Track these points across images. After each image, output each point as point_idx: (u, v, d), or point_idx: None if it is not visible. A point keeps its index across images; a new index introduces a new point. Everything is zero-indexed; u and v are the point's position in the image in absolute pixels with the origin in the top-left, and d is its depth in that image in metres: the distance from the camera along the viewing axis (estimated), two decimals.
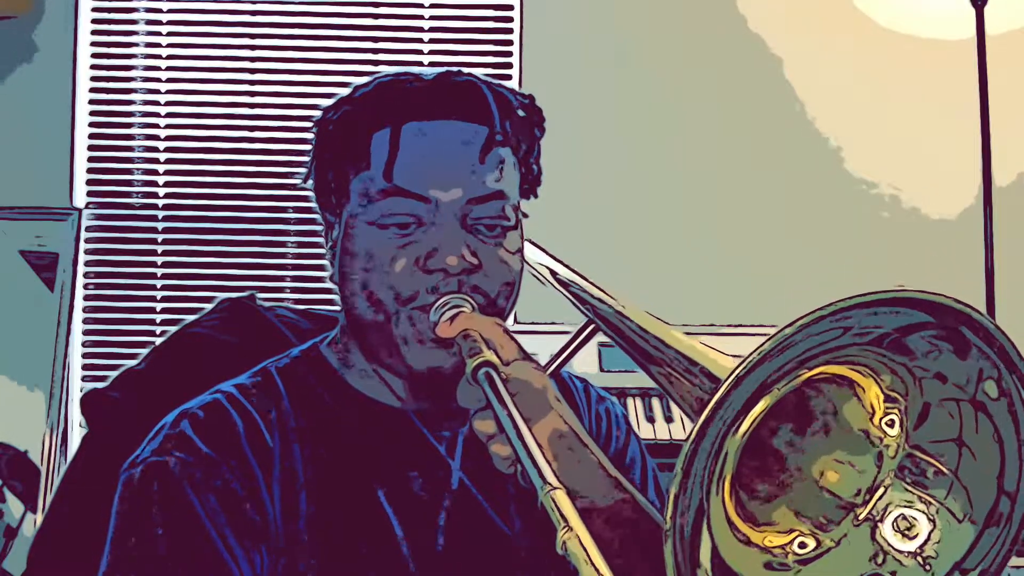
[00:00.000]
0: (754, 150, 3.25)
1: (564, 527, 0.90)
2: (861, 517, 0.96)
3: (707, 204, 3.24)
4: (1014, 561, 2.18)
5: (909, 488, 0.96)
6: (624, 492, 1.11)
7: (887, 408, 0.95)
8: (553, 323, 2.18)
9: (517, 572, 1.22)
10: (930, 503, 0.95)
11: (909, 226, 3.25)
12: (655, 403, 2.76)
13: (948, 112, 3.17)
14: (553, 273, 1.38)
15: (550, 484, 0.93)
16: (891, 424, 0.95)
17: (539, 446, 0.95)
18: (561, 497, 0.91)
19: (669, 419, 2.72)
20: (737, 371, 0.83)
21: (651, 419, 2.72)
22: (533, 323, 2.36)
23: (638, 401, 2.75)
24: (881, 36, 3.24)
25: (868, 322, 0.89)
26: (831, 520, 0.97)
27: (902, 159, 3.25)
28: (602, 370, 2.73)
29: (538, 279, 1.41)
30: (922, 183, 3.25)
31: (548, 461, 0.94)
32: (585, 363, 2.67)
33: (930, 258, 3.17)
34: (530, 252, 1.36)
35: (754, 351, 0.83)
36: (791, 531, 0.96)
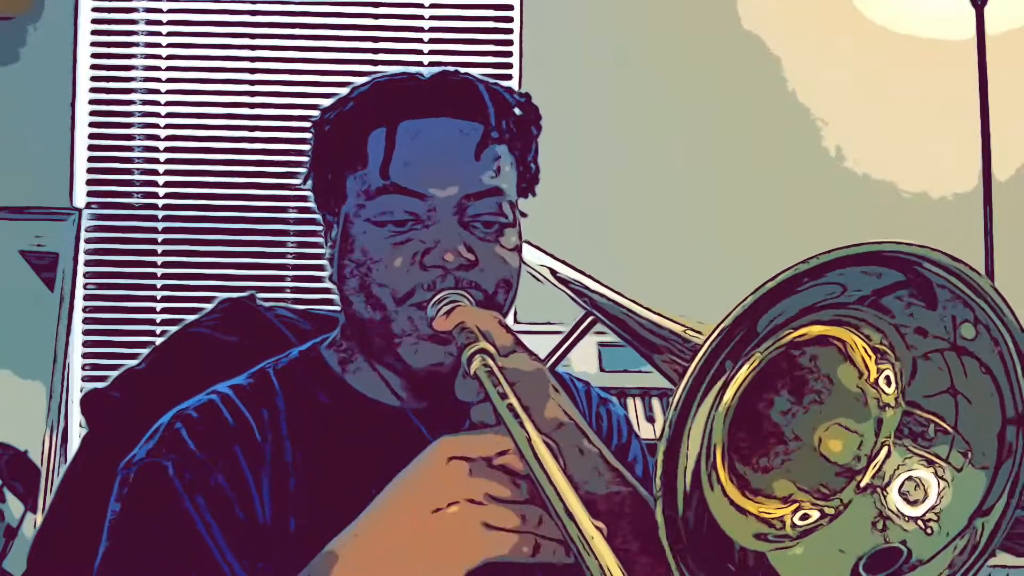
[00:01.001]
0: (754, 150, 3.25)
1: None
2: (863, 484, 0.96)
3: (707, 204, 3.24)
4: (1014, 561, 2.18)
5: (912, 449, 0.95)
6: (626, 484, 1.11)
7: (880, 366, 0.94)
8: (552, 323, 2.18)
9: (515, 572, 1.21)
10: (933, 462, 0.94)
11: (909, 226, 3.25)
12: (655, 403, 2.76)
13: (948, 112, 3.17)
14: (552, 272, 1.38)
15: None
16: (888, 382, 0.95)
17: (539, 430, 0.95)
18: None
19: None
20: (721, 326, 0.83)
21: (651, 419, 2.72)
22: (532, 323, 2.36)
23: (638, 401, 2.76)
24: (881, 36, 3.24)
25: (847, 283, 0.89)
26: (832, 489, 0.96)
27: (902, 159, 3.25)
28: (602, 370, 2.73)
29: (537, 279, 1.41)
30: (922, 183, 3.26)
31: (547, 444, 0.94)
32: (585, 363, 2.68)
33: None
34: (529, 253, 1.36)
35: (734, 309, 0.83)
36: (792, 502, 0.96)
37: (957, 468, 0.93)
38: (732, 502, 0.93)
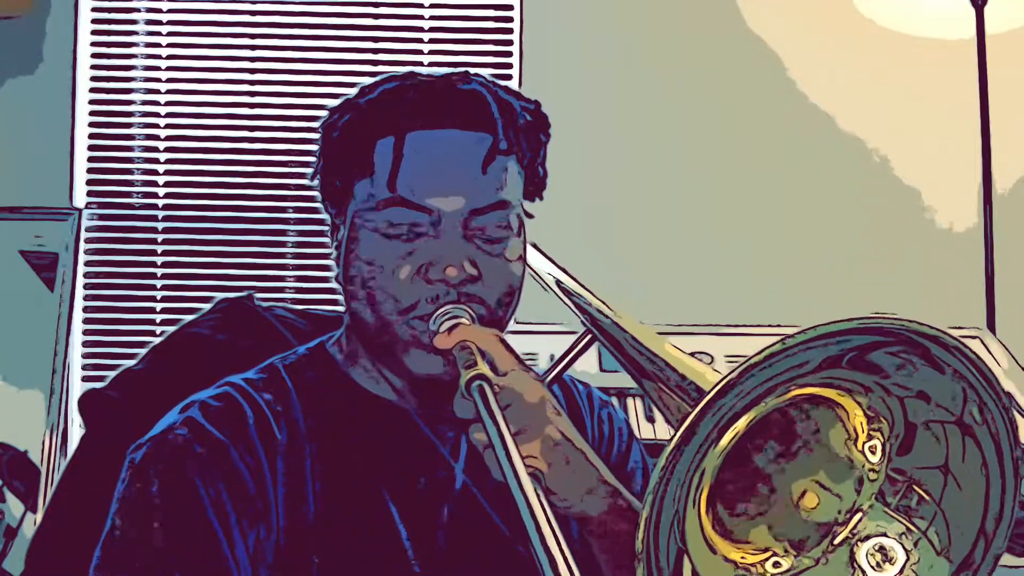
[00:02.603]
0: (754, 150, 3.25)
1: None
2: (837, 541, 0.96)
3: (707, 204, 3.24)
4: (1015, 561, 2.18)
5: (890, 513, 0.95)
6: (622, 501, 1.11)
7: (871, 432, 0.94)
8: (553, 323, 2.18)
9: (518, 573, 1.22)
10: (911, 531, 0.94)
11: (909, 225, 3.25)
12: None
13: (948, 112, 3.17)
14: (556, 281, 1.38)
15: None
16: (873, 451, 0.94)
17: (524, 462, 0.97)
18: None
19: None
20: (708, 396, 0.83)
21: (651, 419, 2.71)
22: (533, 323, 2.36)
23: (638, 401, 2.75)
24: (881, 36, 3.23)
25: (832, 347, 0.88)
26: (808, 541, 0.96)
27: (902, 159, 3.25)
28: (602, 370, 2.72)
29: (540, 284, 1.41)
30: (922, 183, 3.25)
31: (533, 476, 0.97)
32: (585, 363, 2.67)
33: (930, 257, 3.17)
34: (534, 258, 1.36)
35: (722, 378, 0.83)
36: (767, 550, 0.96)
37: (937, 551, 0.93)
38: (713, 549, 0.93)
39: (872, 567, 0.94)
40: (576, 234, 2.58)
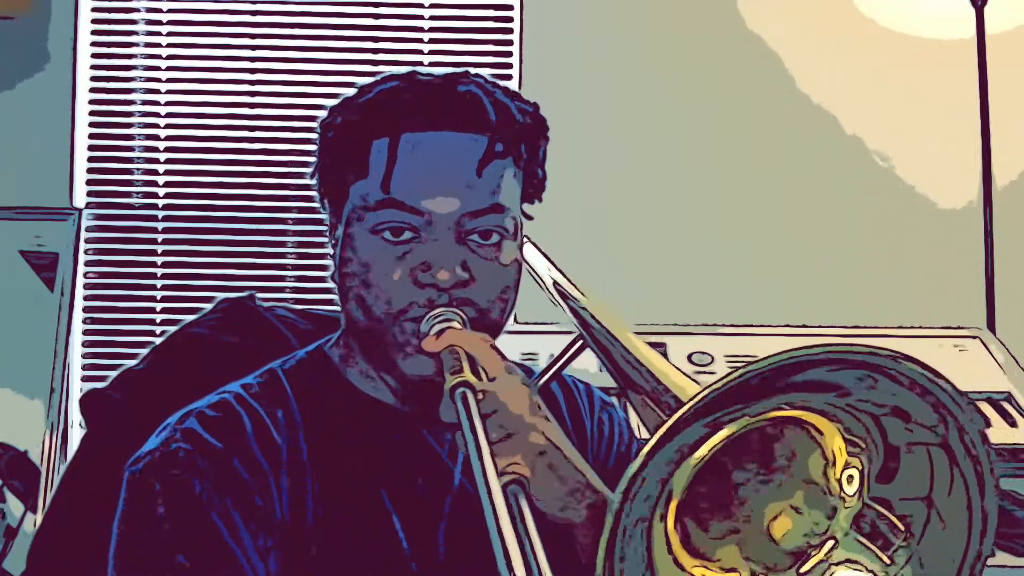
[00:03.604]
0: (754, 150, 3.25)
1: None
2: (809, 566, 0.94)
3: (707, 204, 3.24)
4: (1014, 561, 2.18)
5: (864, 543, 0.92)
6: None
7: (848, 459, 0.91)
8: (553, 323, 2.18)
9: None
10: (888, 564, 0.91)
11: (909, 226, 3.25)
12: None
13: (948, 112, 3.17)
14: (553, 282, 1.38)
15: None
16: (850, 480, 0.91)
17: (506, 469, 0.98)
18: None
19: None
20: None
21: None
22: (532, 323, 2.36)
23: None
24: (881, 36, 3.24)
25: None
26: (778, 564, 0.94)
27: (902, 159, 3.25)
28: (601, 369, 2.72)
29: (537, 283, 1.41)
30: (922, 183, 3.25)
31: (518, 482, 0.98)
32: (585, 362, 2.66)
33: (930, 257, 3.17)
34: (532, 255, 1.36)
35: (693, 398, 0.82)
36: (733, 570, 0.94)
37: None
38: (678, 563, 0.92)
39: None
40: (576, 234, 2.58)
